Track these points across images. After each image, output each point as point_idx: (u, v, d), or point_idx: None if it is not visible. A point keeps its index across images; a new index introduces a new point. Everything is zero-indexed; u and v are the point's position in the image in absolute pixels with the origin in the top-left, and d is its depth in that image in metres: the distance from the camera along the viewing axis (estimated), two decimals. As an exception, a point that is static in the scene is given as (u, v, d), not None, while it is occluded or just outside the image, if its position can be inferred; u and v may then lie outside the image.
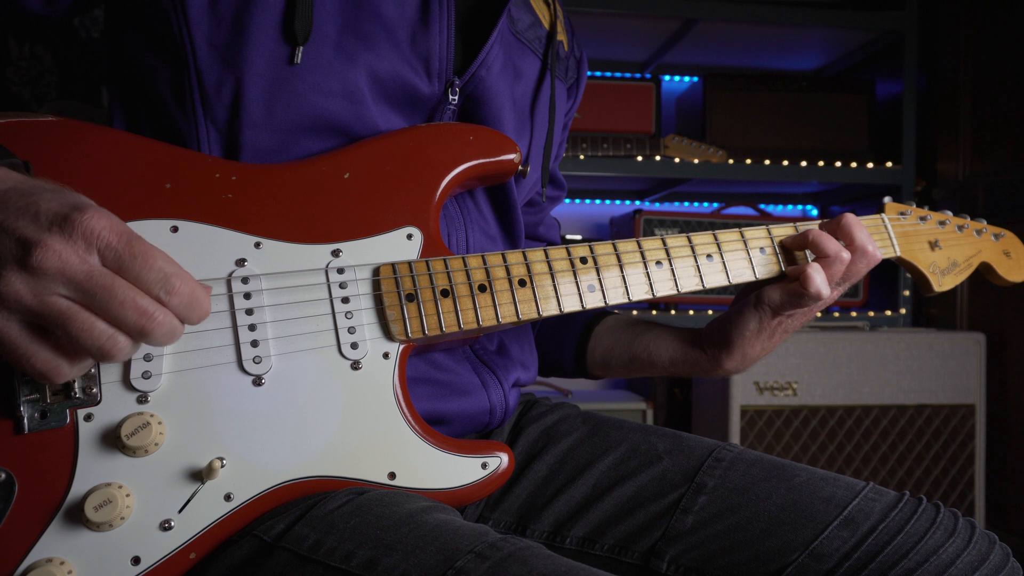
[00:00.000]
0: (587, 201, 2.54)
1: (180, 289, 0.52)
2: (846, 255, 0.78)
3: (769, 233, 0.82)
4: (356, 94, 0.71)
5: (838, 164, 2.21)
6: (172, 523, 0.58)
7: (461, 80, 0.78)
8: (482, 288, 0.70)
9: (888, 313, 2.26)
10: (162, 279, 0.52)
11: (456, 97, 0.78)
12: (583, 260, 0.74)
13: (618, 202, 2.56)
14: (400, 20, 0.74)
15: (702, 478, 0.77)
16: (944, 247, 0.93)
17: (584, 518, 0.78)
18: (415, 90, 0.75)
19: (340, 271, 0.66)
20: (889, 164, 2.23)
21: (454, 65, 0.78)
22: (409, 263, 0.68)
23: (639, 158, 2.12)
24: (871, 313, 2.24)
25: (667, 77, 2.51)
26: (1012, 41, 2.10)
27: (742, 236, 0.81)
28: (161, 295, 0.52)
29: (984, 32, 2.20)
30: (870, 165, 2.23)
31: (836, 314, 2.23)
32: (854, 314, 2.23)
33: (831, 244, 0.78)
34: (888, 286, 2.33)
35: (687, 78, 2.51)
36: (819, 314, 2.24)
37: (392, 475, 0.64)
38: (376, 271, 0.67)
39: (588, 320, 0.97)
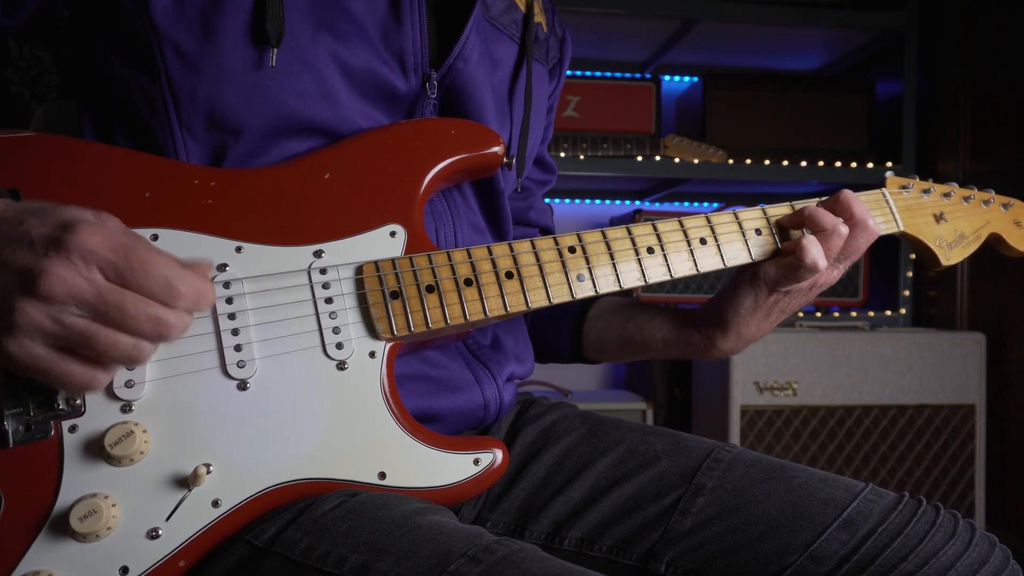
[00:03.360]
0: (587, 201, 2.54)
1: (184, 292, 0.53)
2: (844, 228, 0.77)
3: (764, 213, 0.80)
4: (332, 94, 0.70)
5: (838, 164, 2.21)
6: (160, 531, 0.57)
7: (438, 73, 0.76)
8: (468, 282, 0.69)
9: (888, 313, 2.25)
10: (165, 287, 0.53)
11: (435, 91, 0.76)
12: (571, 249, 0.73)
13: (618, 202, 2.56)
14: (371, 16, 0.73)
15: (700, 479, 0.77)
16: (950, 219, 0.89)
17: (582, 519, 0.77)
18: (392, 87, 0.74)
19: (323, 271, 0.66)
20: (889, 164, 2.23)
21: (430, 58, 0.76)
22: (392, 260, 0.67)
23: (639, 158, 2.12)
24: (871, 313, 2.24)
25: (667, 77, 2.50)
26: (1012, 41, 2.09)
27: (736, 218, 0.79)
28: (168, 301, 0.53)
29: (984, 32, 2.19)
30: (870, 165, 2.23)
31: (836, 314, 2.23)
32: (854, 314, 2.23)
33: (828, 218, 0.77)
34: (888, 286, 2.32)
35: (687, 78, 2.51)
36: (819, 314, 2.26)
37: (382, 475, 0.64)
38: (359, 270, 0.67)
39: (583, 304, 0.96)
